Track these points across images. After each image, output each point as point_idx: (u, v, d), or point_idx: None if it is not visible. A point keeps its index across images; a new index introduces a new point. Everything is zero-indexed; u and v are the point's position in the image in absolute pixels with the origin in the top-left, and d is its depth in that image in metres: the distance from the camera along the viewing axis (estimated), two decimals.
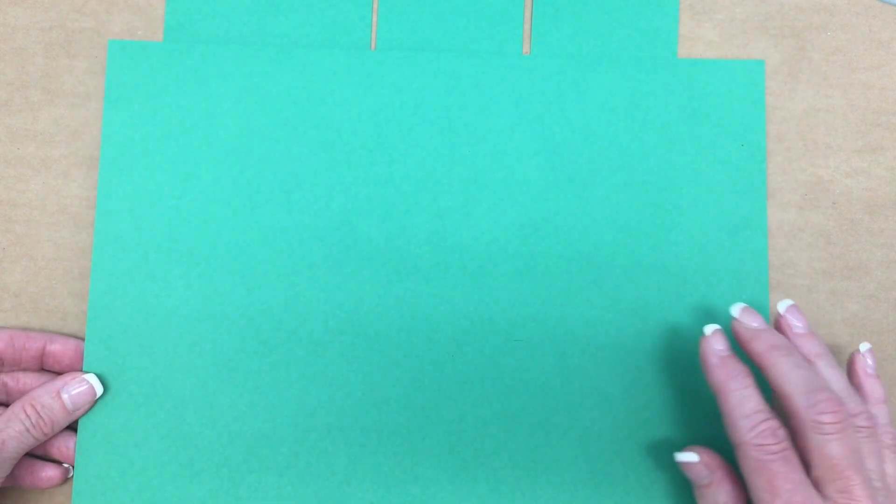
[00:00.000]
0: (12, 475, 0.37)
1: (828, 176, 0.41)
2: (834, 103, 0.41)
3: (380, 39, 0.41)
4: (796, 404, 0.32)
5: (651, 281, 0.39)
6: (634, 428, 0.38)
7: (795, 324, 0.36)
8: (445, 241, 0.39)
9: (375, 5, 0.41)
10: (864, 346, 0.37)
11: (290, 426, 0.38)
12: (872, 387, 0.36)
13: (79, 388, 0.37)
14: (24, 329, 0.39)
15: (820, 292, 0.40)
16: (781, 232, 0.40)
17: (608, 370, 0.39)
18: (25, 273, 0.40)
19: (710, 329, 0.35)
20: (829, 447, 0.31)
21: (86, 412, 0.38)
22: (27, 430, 0.36)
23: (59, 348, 0.38)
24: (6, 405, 0.37)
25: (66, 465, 0.38)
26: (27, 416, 0.36)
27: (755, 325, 0.35)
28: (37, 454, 0.38)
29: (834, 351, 0.39)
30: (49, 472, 0.38)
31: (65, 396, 0.37)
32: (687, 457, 0.35)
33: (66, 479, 0.38)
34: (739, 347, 0.35)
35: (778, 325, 0.36)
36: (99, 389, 0.38)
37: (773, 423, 0.32)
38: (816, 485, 0.31)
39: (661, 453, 0.38)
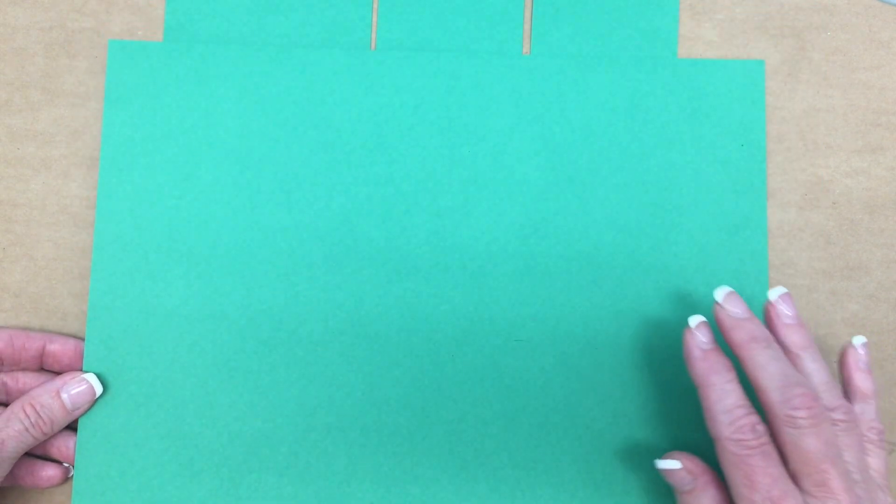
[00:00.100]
0: (12, 475, 0.37)
1: (828, 176, 0.41)
2: (834, 103, 0.41)
3: (380, 39, 0.41)
4: (771, 398, 0.32)
5: (651, 281, 0.39)
6: (634, 428, 0.38)
7: (786, 313, 0.35)
8: (445, 241, 0.39)
9: (375, 5, 0.41)
10: (857, 340, 0.36)
11: (290, 426, 0.38)
12: (861, 381, 0.35)
13: (78, 387, 0.37)
14: (24, 329, 0.39)
15: (820, 292, 0.40)
16: (781, 232, 0.40)
17: (608, 370, 0.39)
18: (25, 273, 0.40)
19: (694, 321, 0.35)
20: (804, 441, 0.31)
21: (85, 412, 0.38)
22: (26, 429, 0.36)
23: (59, 348, 0.38)
24: (6, 405, 0.37)
25: (66, 465, 0.38)
26: (26, 415, 0.36)
27: (738, 312, 0.34)
28: (37, 454, 0.38)
29: (834, 351, 0.39)
30: (49, 472, 0.38)
31: (64, 396, 0.37)
32: (668, 464, 0.34)
33: (66, 479, 0.38)
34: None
35: (767, 313, 0.35)
36: (98, 389, 0.38)
37: (753, 419, 0.32)
38: (794, 478, 0.31)
39: (661, 453, 0.38)
